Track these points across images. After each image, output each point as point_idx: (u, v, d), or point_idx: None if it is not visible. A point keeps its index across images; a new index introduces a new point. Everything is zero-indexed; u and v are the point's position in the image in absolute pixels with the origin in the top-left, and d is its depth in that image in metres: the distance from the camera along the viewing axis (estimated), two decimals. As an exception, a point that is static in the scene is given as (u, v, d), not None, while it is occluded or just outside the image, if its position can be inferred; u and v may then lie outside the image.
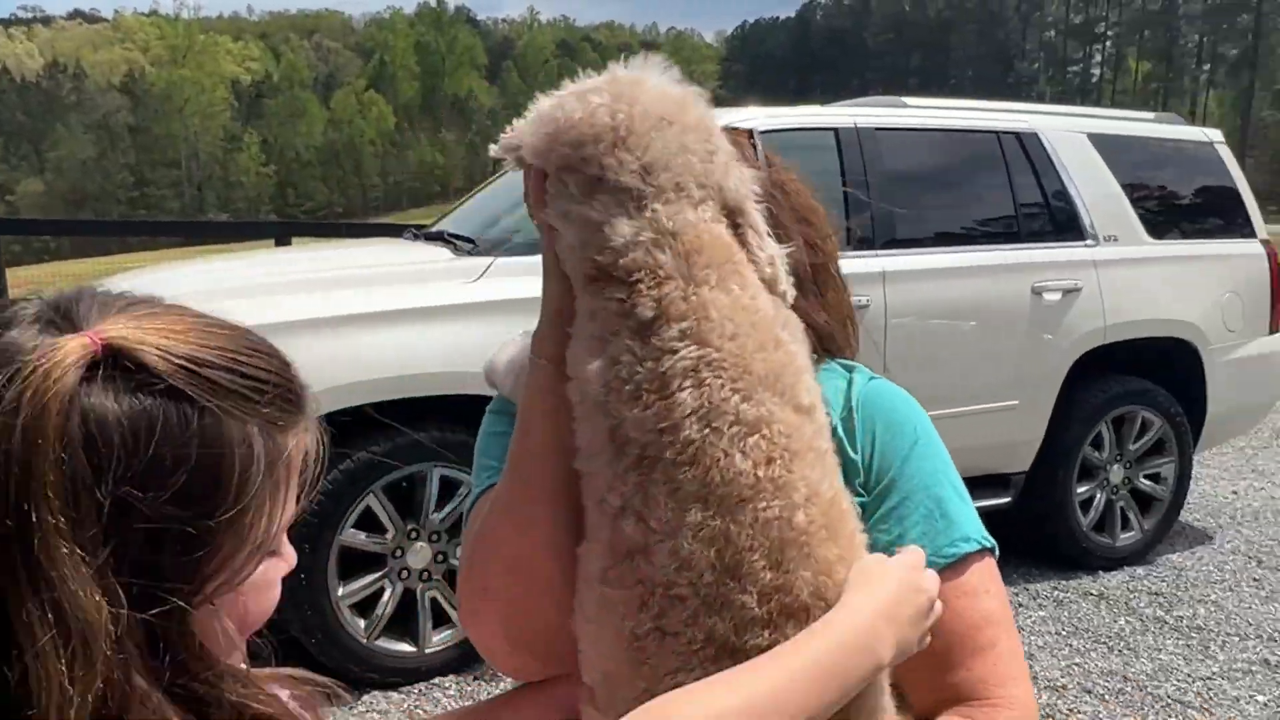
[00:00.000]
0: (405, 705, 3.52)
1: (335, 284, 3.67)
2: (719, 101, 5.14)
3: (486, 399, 3.88)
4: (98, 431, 0.62)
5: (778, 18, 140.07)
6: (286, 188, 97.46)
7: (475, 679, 3.70)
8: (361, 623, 3.56)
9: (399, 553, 3.60)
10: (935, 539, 1.04)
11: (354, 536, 3.50)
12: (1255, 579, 4.86)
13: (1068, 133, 4.96)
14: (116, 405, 0.63)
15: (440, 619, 3.70)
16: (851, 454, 1.07)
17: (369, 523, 3.55)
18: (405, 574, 3.62)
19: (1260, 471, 6.78)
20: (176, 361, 0.66)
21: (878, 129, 4.47)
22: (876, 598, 0.87)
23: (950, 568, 1.04)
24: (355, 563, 3.56)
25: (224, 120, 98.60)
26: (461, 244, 4.20)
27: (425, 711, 3.48)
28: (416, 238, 4.75)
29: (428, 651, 3.66)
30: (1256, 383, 5.32)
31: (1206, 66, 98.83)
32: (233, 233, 14.34)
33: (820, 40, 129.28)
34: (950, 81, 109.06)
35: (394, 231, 8.77)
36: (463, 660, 3.73)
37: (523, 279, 3.75)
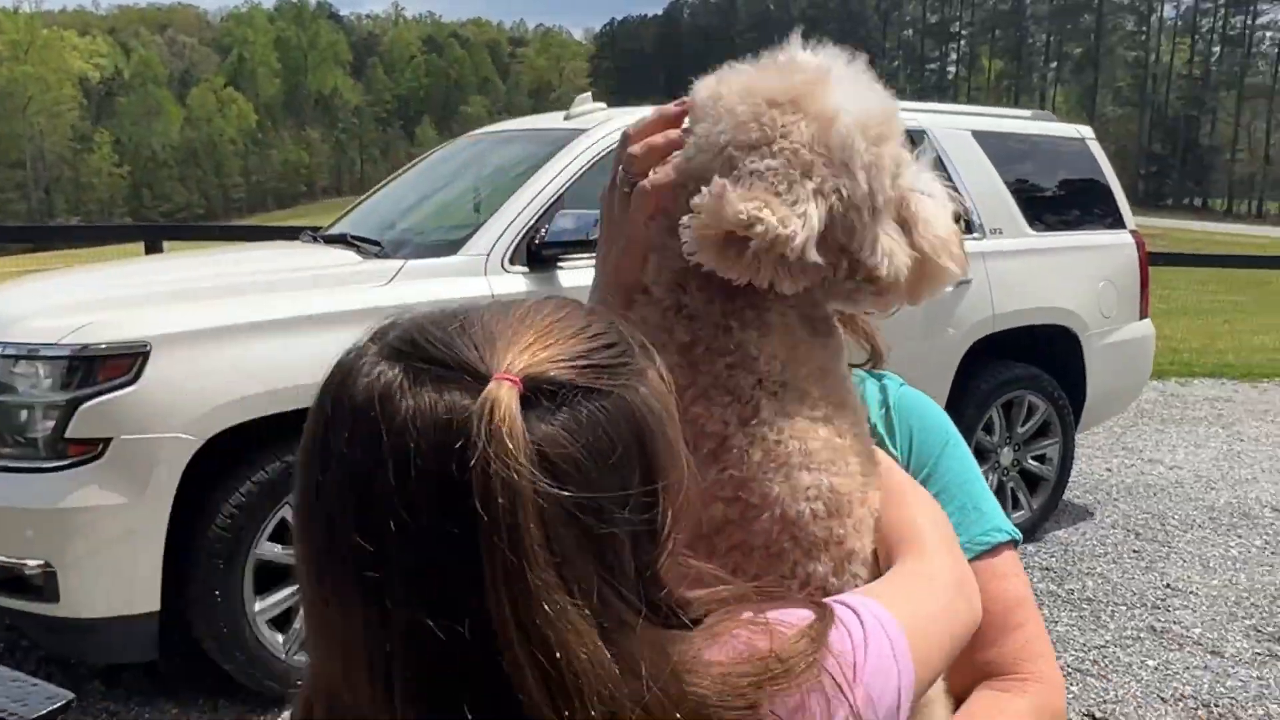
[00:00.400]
0: (328, 719, 3.44)
1: (245, 289, 3.56)
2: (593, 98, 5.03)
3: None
4: (561, 462, 0.62)
5: (646, 15, 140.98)
6: (142, 189, 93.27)
7: (398, 688, 3.64)
8: (280, 637, 3.46)
9: (316, 564, 3.51)
10: (970, 528, 1.11)
11: (270, 549, 3.41)
12: (1135, 550, 5.15)
13: (954, 130, 5.16)
14: (562, 431, 0.63)
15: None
16: (892, 450, 1.14)
17: (284, 535, 3.45)
18: (323, 585, 3.53)
19: (1130, 449, 7.18)
20: (574, 365, 0.66)
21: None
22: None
23: (984, 555, 1.11)
24: (271, 576, 3.46)
25: (72, 119, 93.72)
26: (367, 246, 4.13)
27: (349, 724, 3.41)
28: (315, 240, 4.64)
29: (348, 663, 3.58)
30: (1130, 365, 5.64)
31: (1053, 64, 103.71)
32: (97, 236, 13.70)
33: (688, 38, 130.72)
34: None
35: (274, 235, 8.52)
36: (384, 670, 3.67)
37: (434, 281, 3.72)
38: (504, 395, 0.62)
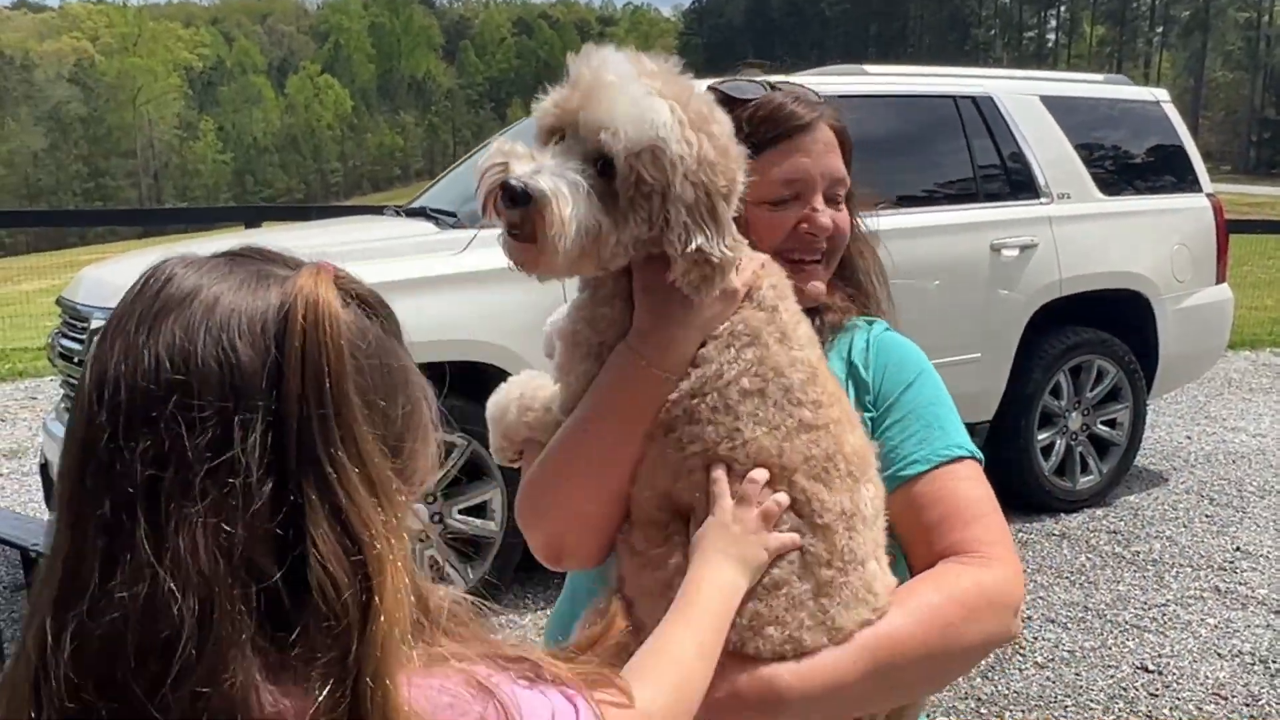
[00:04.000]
0: (410, 658, 3.70)
1: (339, 259, 3.80)
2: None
3: (478, 365, 4.04)
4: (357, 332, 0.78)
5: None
6: (245, 175, 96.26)
7: (475, 632, 3.88)
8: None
9: (398, 514, 3.77)
10: (932, 444, 1.27)
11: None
12: (1207, 515, 5.13)
13: (1021, 96, 5.17)
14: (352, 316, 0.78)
15: (439, 578, 3.88)
16: (864, 376, 1.33)
17: (369, 486, 3.71)
18: (404, 535, 3.79)
19: (1213, 417, 7.07)
20: (365, 292, 0.82)
21: (841, 96, 4.65)
22: (707, 552, 1.11)
23: (944, 465, 1.25)
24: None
25: (178, 108, 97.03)
26: (444, 218, 4.36)
27: (429, 663, 3.66)
28: (399, 214, 4.89)
29: (429, 607, 3.84)
30: (1205, 330, 5.59)
31: (1159, 29, 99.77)
32: (207, 219, 14.34)
33: (778, 10, 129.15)
34: (908, 49, 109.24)
35: (363, 213, 8.85)
36: (462, 615, 3.91)
37: (506, 249, 3.92)
38: (319, 276, 0.76)
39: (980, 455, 1.30)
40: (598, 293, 1.19)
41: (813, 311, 1.32)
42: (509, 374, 4.15)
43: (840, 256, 1.39)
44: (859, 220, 1.44)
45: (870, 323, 1.40)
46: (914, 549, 1.24)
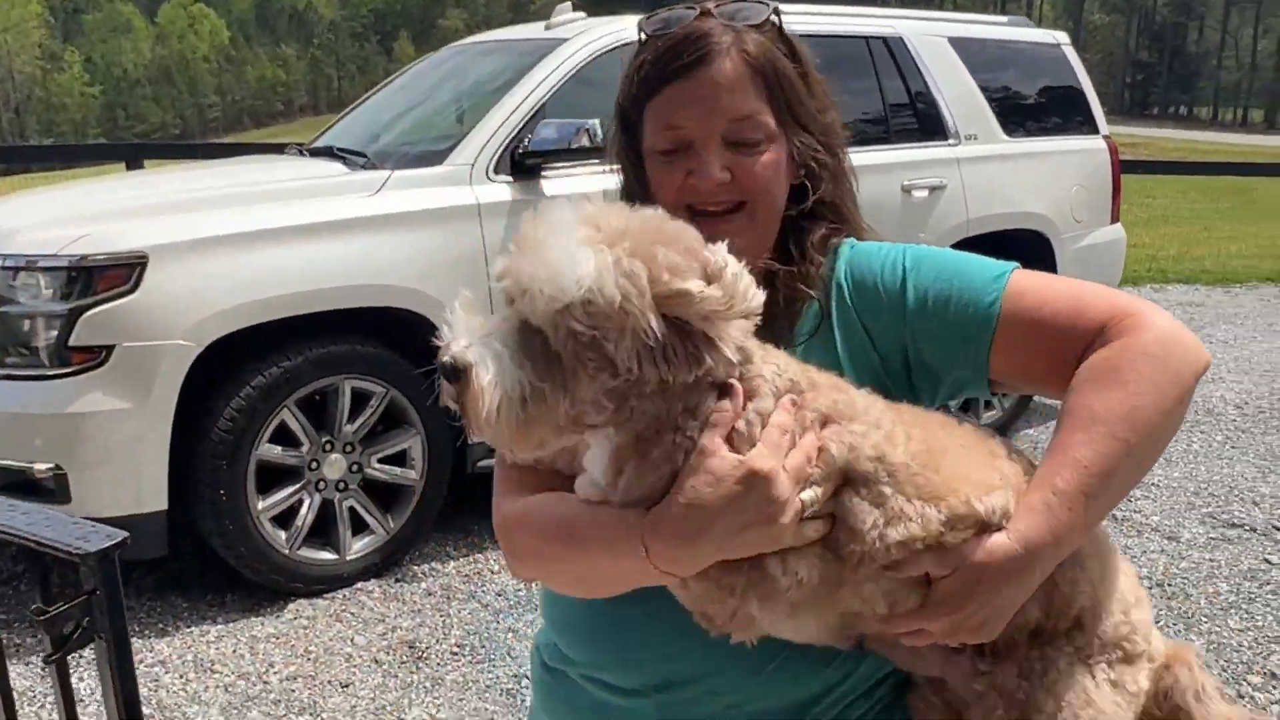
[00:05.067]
0: (331, 610, 3.63)
1: (238, 200, 3.65)
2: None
3: (395, 310, 3.91)
4: None
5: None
6: (115, 108, 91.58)
7: (397, 581, 3.83)
8: (283, 534, 3.63)
9: (315, 465, 3.67)
10: (976, 297, 1.19)
11: (270, 451, 3.56)
12: (1101, 447, 5.34)
13: (930, 37, 5.21)
14: None
15: (359, 527, 3.81)
16: (863, 332, 1.26)
17: (284, 437, 3.60)
18: (322, 485, 3.70)
19: (1102, 352, 7.36)
20: None
21: (756, 35, 4.61)
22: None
23: (1002, 297, 1.18)
24: (273, 477, 3.62)
25: (39, 37, 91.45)
26: (353, 158, 4.20)
27: (351, 615, 3.60)
28: (303, 153, 4.70)
29: (349, 559, 3.76)
30: (1101, 268, 5.77)
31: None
32: (81, 156, 13.59)
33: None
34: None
35: (258, 152, 8.50)
36: (384, 565, 3.85)
37: (421, 190, 3.81)
38: None
39: (1013, 264, 1.23)
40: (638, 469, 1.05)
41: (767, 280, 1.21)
42: (425, 318, 4.04)
43: (765, 207, 1.25)
44: (838, 153, 1.34)
45: (852, 246, 1.31)
46: (1042, 370, 1.16)
